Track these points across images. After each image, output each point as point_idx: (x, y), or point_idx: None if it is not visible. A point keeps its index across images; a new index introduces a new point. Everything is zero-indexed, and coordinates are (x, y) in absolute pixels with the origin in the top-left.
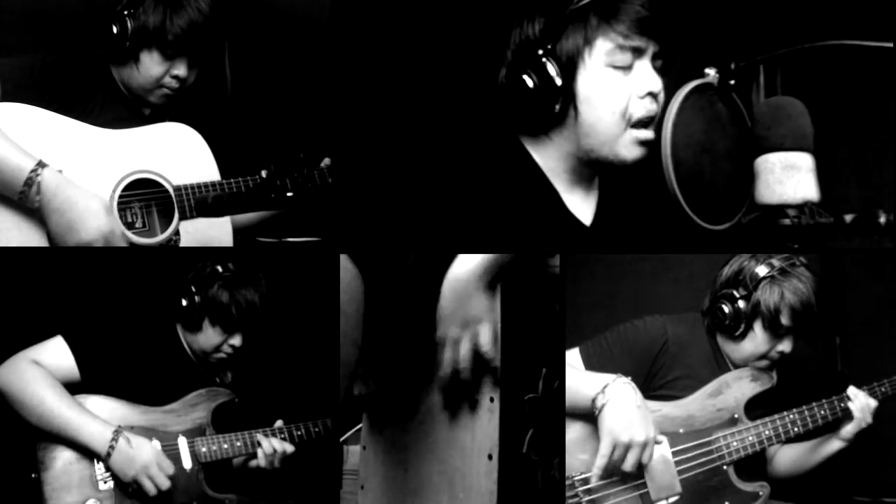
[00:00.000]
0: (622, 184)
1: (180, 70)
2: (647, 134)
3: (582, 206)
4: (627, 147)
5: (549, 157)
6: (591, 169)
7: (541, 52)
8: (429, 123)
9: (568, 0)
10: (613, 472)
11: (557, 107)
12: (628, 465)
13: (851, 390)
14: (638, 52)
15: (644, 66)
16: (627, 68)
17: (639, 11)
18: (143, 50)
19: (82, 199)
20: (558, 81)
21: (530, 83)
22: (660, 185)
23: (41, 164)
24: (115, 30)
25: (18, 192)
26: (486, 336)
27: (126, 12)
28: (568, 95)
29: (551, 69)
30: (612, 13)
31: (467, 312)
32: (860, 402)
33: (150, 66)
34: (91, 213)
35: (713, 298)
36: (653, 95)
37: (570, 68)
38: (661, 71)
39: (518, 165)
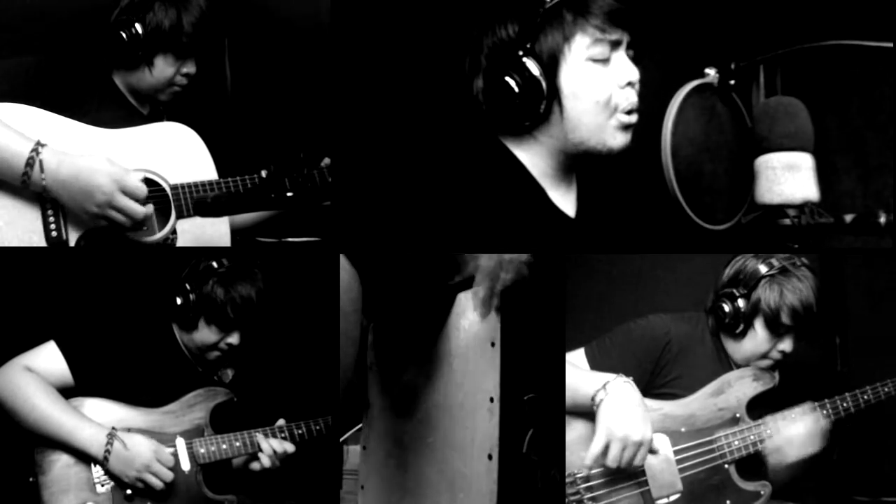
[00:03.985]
0: (599, 175)
1: (191, 68)
2: (631, 119)
3: (564, 200)
4: (613, 134)
5: (535, 155)
6: (575, 163)
7: (521, 52)
8: (423, 126)
9: (541, 0)
10: (609, 470)
11: (543, 106)
12: (623, 461)
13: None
14: (615, 45)
15: (621, 57)
16: (605, 61)
17: (610, 4)
18: (157, 54)
19: (85, 162)
20: (543, 81)
21: (514, 85)
22: (659, 184)
23: (40, 144)
24: (124, 37)
25: (21, 174)
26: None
27: (132, 17)
28: (552, 93)
29: (534, 69)
30: (585, 7)
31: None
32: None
33: (164, 68)
34: (99, 171)
35: (715, 298)
36: (632, 84)
37: (551, 66)
38: (634, 60)
39: (503, 166)
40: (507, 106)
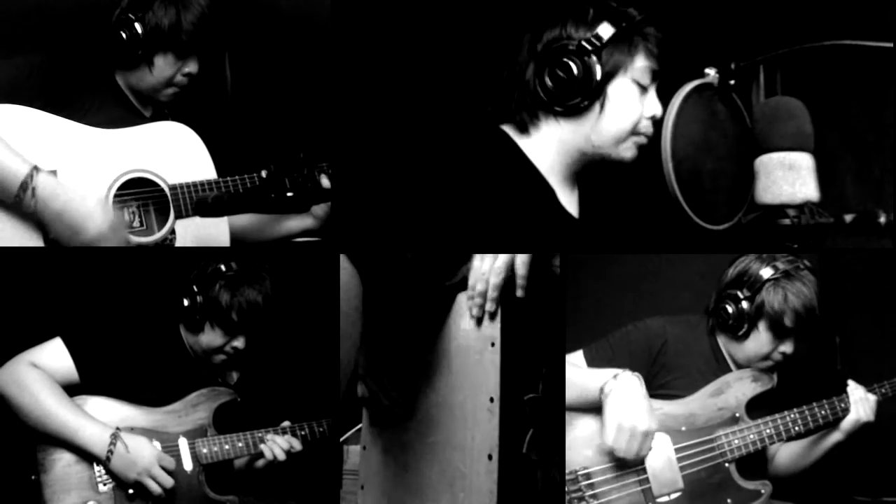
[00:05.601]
0: (600, 176)
1: (192, 67)
2: (644, 139)
3: (568, 201)
4: (627, 149)
5: (549, 152)
6: (584, 165)
7: (590, 47)
8: (427, 124)
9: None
10: (611, 467)
11: (594, 92)
12: (631, 452)
13: (851, 385)
14: (655, 76)
15: (653, 91)
16: (645, 89)
17: (657, 34)
18: (157, 53)
19: (78, 202)
20: (599, 75)
21: (574, 68)
22: (659, 184)
23: (36, 169)
24: (124, 36)
25: (14, 196)
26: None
27: (132, 16)
28: (601, 91)
29: (598, 71)
30: (644, 31)
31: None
32: (857, 395)
33: (164, 67)
34: (88, 216)
35: (717, 298)
36: (654, 118)
37: (611, 73)
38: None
39: (513, 164)
40: (562, 83)
